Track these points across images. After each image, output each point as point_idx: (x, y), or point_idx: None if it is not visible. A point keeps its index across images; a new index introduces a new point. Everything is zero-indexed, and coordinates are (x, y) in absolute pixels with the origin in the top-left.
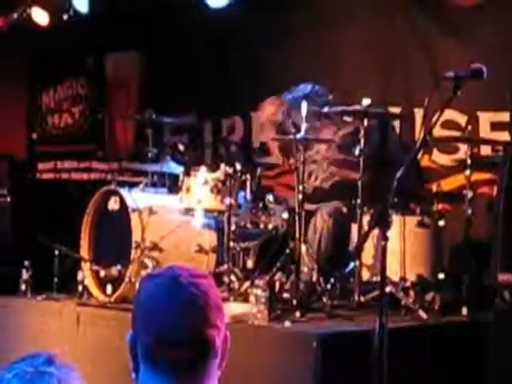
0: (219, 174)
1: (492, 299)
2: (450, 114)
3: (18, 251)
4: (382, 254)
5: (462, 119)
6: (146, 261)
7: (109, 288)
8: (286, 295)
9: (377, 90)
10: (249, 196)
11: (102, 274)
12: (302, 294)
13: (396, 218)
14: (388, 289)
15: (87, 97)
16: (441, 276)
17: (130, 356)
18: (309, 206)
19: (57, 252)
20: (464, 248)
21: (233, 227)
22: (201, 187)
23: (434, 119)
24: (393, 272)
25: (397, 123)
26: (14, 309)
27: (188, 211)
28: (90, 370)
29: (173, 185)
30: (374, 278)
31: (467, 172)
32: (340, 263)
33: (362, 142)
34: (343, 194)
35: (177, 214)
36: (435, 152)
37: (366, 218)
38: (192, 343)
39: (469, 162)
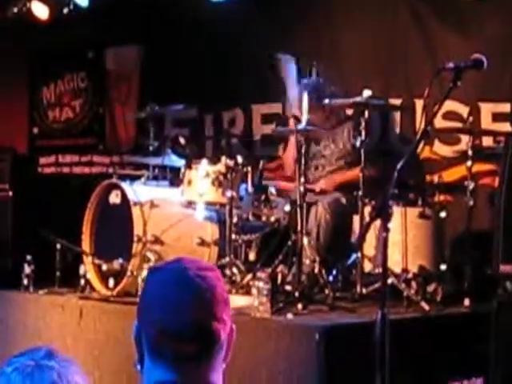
0: (220, 167)
1: (494, 290)
2: (451, 105)
3: (19, 245)
4: (383, 245)
5: (463, 110)
6: (148, 254)
7: (111, 282)
8: (288, 287)
9: (377, 81)
10: (250, 188)
11: (104, 267)
12: (304, 286)
13: (397, 210)
14: (390, 280)
15: (87, 91)
16: (443, 267)
17: (135, 347)
18: (310, 198)
19: (58, 246)
20: (466, 239)
21: (234, 220)
22: (202, 180)
23: (434, 110)
24: (395, 263)
25: (397, 115)
26: (17, 303)
27: (189, 204)
28: (93, 363)
29: (174, 178)
30: (376, 270)
31: (469, 163)
32: (342, 255)
33: (363, 133)
34: (347, 187)
35: (178, 207)
36: (437, 143)
37: (367, 210)
38: (197, 336)
39: (470, 153)
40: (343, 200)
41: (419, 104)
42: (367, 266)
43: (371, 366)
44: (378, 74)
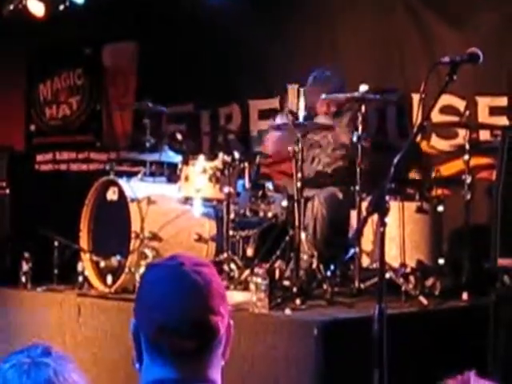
0: (217, 163)
1: (492, 284)
2: (448, 100)
3: (17, 243)
4: (380, 240)
5: (460, 104)
6: (146, 251)
7: (109, 278)
8: (286, 283)
9: (374, 76)
10: (248, 184)
11: (102, 264)
12: (302, 281)
13: (395, 204)
14: (388, 275)
15: (84, 87)
16: (441, 261)
17: (133, 344)
18: (308, 193)
19: (56, 243)
20: (463, 233)
21: (232, 216)
22: (199, 176)
23: (431, 104)
24: (392, 258)
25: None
26: (14, 301)
27: (187, 200)
28: (91, 360)
29: (171, 174)
30: (374, 265)
31: (466, 157)
32: (339, 250)
33: (360, 128)
34: (345, 179)
35: (176, 203)
36: (434, 137)
37: (365, 204)
38: (196, 332)
39: (467, 147)
40: (340, 195)
41: (416, 98)
42: (365, 261)
43: (369, 360)
44: (374, 68)
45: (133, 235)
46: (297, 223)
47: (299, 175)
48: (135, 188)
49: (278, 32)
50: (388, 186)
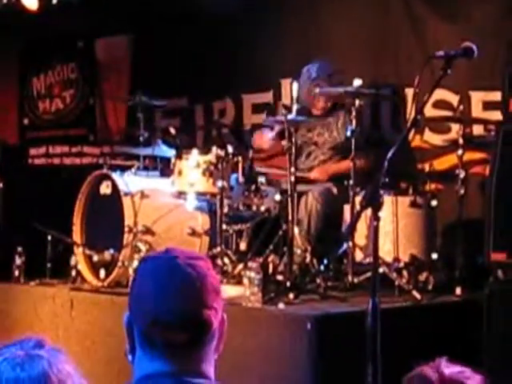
0: (211, 157)
1: (485, 278)
2: (441, 94)
3: (10, 237)
4: (374, 234)
5: (453, 99)
6: (139, 245)
7: (102, 272)
8: (279, 277)
9: (368, 71)
10: (241, 178)
11: (95, 258)
12: (295, 275)
13: (388, 199)
14: (381, 269)
15: (78, 81)
16: (434, 256)
17: (126, 337)
18: (301, 187)
19: (49, 237)
20: (457, 228)
21: (225, 210)
22: (193, 170)
23: (424, 99)
24: (386, 253)
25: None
26: (7, 295)
27: (180, 194)
28: (84, 354)
29: (165, 168)
30: (367, 259)
31: (459, 152)
32: (333, 244)
33: (354, 123)
34: (339, 177)
35: (169, 197)
36: (427, 132)
37: (358, 199)
38: (189, 325)
39: (461, 141)
40: (334, 190)
41: (410, 93)
42: (358, 256)
43: (363, 354)
44: (368, 63)
45: (126, 229)
46: (290, 217)
47: (292, 169)
48: (128, 182)
49: (271, 26)
50: (382, 181)
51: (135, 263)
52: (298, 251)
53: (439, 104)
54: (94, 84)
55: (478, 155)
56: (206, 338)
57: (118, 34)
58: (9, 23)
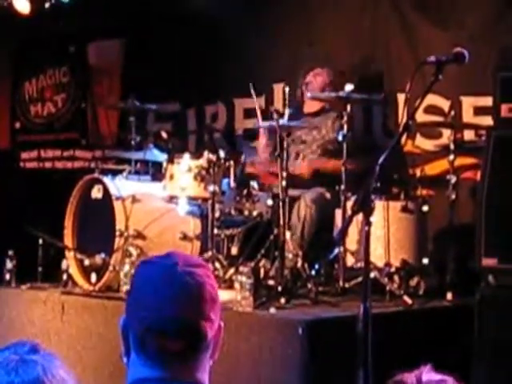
0: (203, 162)
1: (477, 284)
2: (432, 99)
3: (1, 240)
4: (365, 239)
5: (444, 104)
6: (130, 249)
7: (93, 277)
8: (270, 282)
9: (359, 75)
10: (233, 183)
11: (87, 262)
12: (286, 280)
13: (380, 204)
14: (372, 274)
15: (70, 85)
16: (425, 261)
17: (121, 341)
18: (293, 192)
19: (41, 241)
20: (448, 233)
21: (217, 214)
22: (184, 174)
23: (416, 104)
24: (377, 257)
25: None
26: None
27: (172, 199)
28: (75, 358)
29: (156, 172)
30: (359, 264)
31: (451, 157)
32: (324, 249)
33: (345, 127)
34: (325, 180)
35: (160, 201)
36: (418, 137)
37: (349, 204)
38: (184, 335)
39: (452, 146)
40: (328, 195)
41: (401, 98)
42: (350, 260)
43: (354, 359)
44: (359, 68)
45: (117, 233)
46: (282, 222)
47: (284, 174)
48: (120, 186)
49: (263, 30)
50: (373, 186)
51: (126, 267)
52: (290, 256)
53: (430, 109)
54: (86, 88)
55: (469, 160)
56: (201, 346)
57: (110, 38)
58: (1, 27)
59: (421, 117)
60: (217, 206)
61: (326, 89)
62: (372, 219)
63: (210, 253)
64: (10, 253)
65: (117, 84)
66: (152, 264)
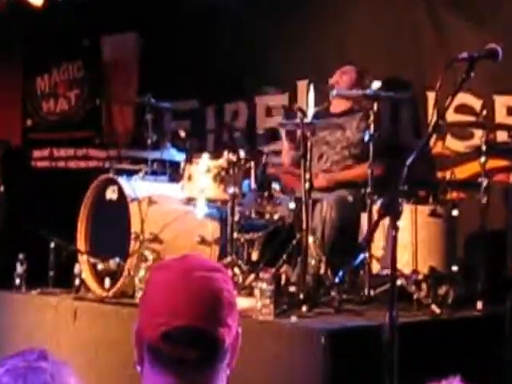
0: (222, 162)
1: (508, 292)
2: (464, 98)
3: (11, 243)
4: (392, 245)
5: (476, 103)
6: (146, 253)
7: (107, 282)
8: (292, 289)
9: (388, 73)
10: (253, 185)
11: (100, 267)
12: (309, 287)
13: (407, 207)
14: (399, 282)
15: (84, 81)
16: (454, 268)
17: (135, 348)
18: (315, 195)
19: (52, 244)
20: (479, 238)
21: (236, 217)
22: (203, 175)
23: (446, 103)
24: (404, 264)
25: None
26: (8, 304)
27: (190, 201)
28: (87, 366)
29: (174, 173)
30: (385, 271)
31: (482, 159)
32: (349, 255)
33: (372, 127)
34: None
35: (178, 203)
36: (449, 138)
37: (376, 207)
38: (200, 342)
39: (484, 148)
40: (350, 198)
41: (431, 97)
42: (375, 267)
43: (379, 370)
44: (388, 65)
45: (132, 236)
46: (304, 226)
47: (307, 176)
48: (136, 187)
49: (286, 28)
50: (401, 188)
51: (142, 272)
52: (312, 262)
53: (461, 108)
54: (101, 84)
55: (501, 162)
56: (217, 355)
57: (126, 31)
58: (13, 20)
59: (451, 116)
60: (237, 208)
61: (354, 88)
62: (399, 224)
63: (229, 258)
64: (21, 256)
65: (133, 79)
66: (168, 268)
